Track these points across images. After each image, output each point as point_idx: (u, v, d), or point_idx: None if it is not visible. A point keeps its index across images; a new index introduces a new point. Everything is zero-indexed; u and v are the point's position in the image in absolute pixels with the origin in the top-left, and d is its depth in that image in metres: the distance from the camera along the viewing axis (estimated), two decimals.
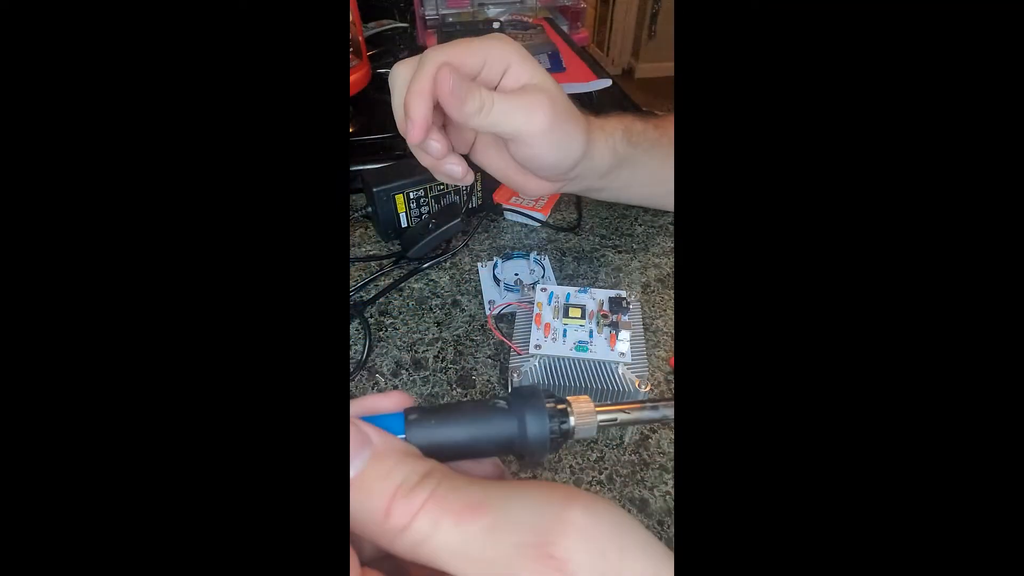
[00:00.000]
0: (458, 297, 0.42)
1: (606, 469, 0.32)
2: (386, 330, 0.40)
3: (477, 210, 0.49)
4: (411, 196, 0.46)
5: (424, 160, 0.31)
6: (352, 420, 0.18)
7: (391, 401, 0.19)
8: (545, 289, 0.38)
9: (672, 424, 0.24)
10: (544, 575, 0.14)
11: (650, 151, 0.38)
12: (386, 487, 0.16)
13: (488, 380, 0.36)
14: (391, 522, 0.15)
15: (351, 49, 0.58)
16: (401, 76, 0.29)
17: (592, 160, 0.34)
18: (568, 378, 0.34)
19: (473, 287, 0.43)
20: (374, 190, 0.44)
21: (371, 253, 0.46)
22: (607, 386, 0.33)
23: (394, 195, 0.45)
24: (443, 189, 0.47)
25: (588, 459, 0.32)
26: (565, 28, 0.75)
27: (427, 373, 0.37)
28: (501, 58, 0.30)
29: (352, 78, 0.57)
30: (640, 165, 0.38)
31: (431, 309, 0.41)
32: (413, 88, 0.28)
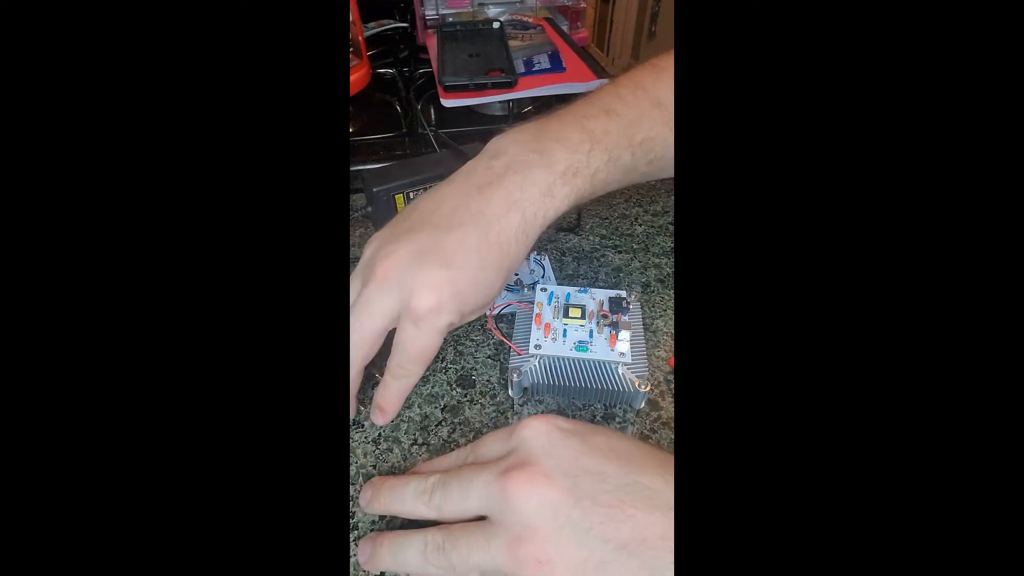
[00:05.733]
0: None
1: None
2: None
3: None
4: (411, 196, 0.46)
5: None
6: None
7: None
8: (545, 289, 0.38)
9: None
10: None
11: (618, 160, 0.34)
12: None
13: (488, 380, 0.36)
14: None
15: (351, 49, 0.58)
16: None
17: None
18: (568, 378, 0.34)
19: None
20: (374, 190, 0.44)
21: None
22: (607, 386, 0.33)
23: (394, 195, 0.45)
24: None
25: None
26: (565, 28, 0.75)
27: (427, 373, 0.37)
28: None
29: (352, 78, 0.57)
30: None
31: None
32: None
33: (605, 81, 0.62)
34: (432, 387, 0.36)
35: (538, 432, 0.25)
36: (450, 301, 0.29)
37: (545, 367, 0.34)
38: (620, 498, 0.22)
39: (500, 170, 0.31)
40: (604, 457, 0.24)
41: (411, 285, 0.28)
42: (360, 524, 0.29)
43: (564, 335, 0.35)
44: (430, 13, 0.72)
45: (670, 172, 0.37)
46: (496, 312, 0.40)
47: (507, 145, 0.32)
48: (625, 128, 0.33)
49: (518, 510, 0.22)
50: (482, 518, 0.24)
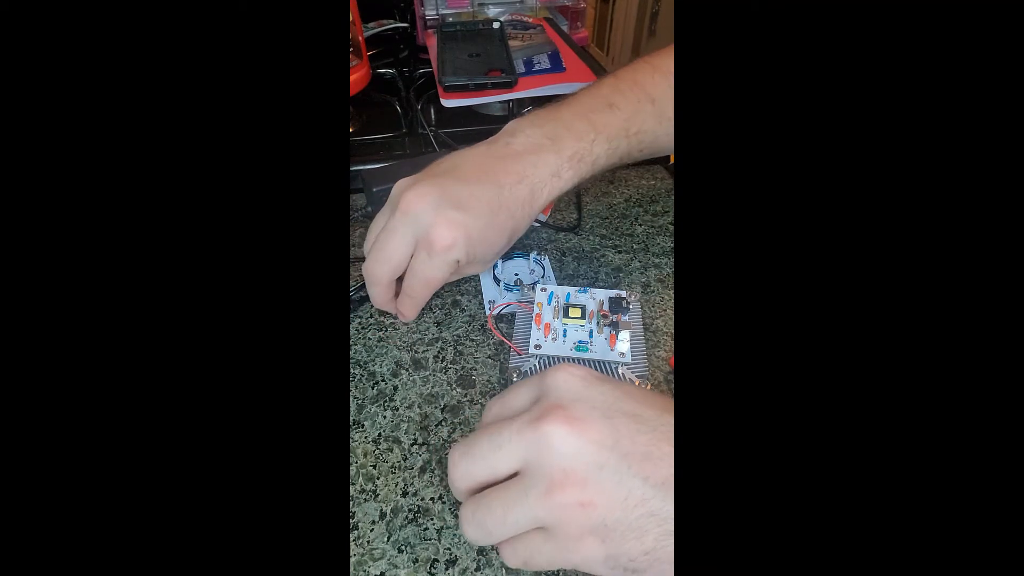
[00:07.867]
0: (458, 297, 0.42)
1: None
2: (386, 330, 0.40)
3: None
4: None
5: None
6: None
7: None
8: (545, 289, 0.38)
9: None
10: None
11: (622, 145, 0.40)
12: None
13: (488, 380, 0.36)
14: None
15: (351, 49, 0.58)
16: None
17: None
18: None
19: (473, 287, 0.43)
20: (374, 190, 0.44)
21: None
22: None
23: None
24: None
25: None
26: (565, 28, 0.75)
27: (427, 373, 0.37)
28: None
29: (352, 78, 0.57)
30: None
31: (431, 309, 0.41)
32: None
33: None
34: (432, 387, 0.36)
35: (570, 377, 0.24)
36: (462, 241, 0.34)
37: (545, 367, 0.34)
38: (657, 437, 0.22)
39: (517, 148, 0.37)
40: (638, 401, 0.23)
41: (431, 220, 0.33)
42: (360, 524, 0.29)
43: (564, 335, 0.35)
44: (430, 13, 0.72)
45: (656, 155, 0.44)
46: (496, 312, 0.40)
47: (524, 128, 0.38)
48: (624, 121, 0.39)
49: (555, 454, 0.22)
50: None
